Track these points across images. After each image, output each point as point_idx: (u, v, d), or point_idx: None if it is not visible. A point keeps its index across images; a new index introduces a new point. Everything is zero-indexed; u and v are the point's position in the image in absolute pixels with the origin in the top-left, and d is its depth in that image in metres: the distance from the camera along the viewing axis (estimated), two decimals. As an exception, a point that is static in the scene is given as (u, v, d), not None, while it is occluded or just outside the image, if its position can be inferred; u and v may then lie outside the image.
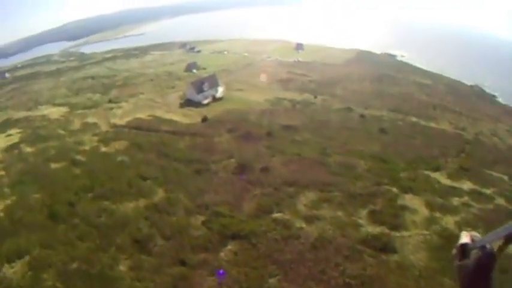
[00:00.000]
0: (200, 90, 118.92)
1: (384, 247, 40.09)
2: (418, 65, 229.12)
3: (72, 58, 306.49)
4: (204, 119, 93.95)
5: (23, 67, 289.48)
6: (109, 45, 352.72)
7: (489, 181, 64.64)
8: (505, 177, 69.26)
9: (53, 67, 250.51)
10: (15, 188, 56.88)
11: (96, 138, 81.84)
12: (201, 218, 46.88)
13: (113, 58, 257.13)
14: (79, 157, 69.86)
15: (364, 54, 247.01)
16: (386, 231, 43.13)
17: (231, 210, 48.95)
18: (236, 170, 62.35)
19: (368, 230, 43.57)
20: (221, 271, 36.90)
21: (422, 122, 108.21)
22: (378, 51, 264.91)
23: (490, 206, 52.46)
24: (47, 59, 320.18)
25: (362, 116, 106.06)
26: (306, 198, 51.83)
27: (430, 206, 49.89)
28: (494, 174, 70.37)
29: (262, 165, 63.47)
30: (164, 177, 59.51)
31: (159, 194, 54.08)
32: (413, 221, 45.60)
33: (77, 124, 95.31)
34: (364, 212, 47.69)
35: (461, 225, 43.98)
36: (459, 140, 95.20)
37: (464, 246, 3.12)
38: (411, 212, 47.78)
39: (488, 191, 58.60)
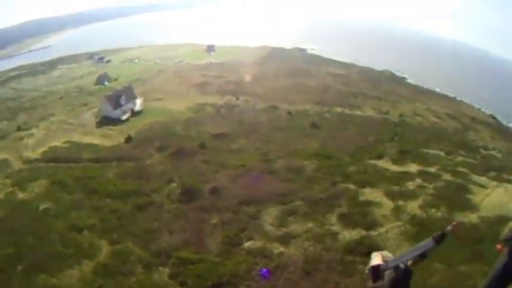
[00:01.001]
0: (117, 105, 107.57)
1: (370, 250, 35.38)
2: (329, 56, 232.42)
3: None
4: (128, 139, 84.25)
5: None
6: (13, 62, 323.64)
7: (430, 159, 66.34)
8: (442, 153, 72.89)
9: None
10: None
11: (9, 181, 68.48)
12: (166, 271, 38.35)
13: (18, 76, 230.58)
14: (-7, 212, 57.65)
15: (276, 50, 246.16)
16: (364, 232, 41.08)
17: (196, 252, 41.23)
18: (182, 197, 54.38)
19: (345, 236, 41.07)
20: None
21: (348, 111, 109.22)
22: (289, 47, 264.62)
23: (441, 183, 52.81)
24: None
25: (289, 112, 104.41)
26: (270, 215, 47.32)
27: (390, 196, 48.94)
28: (431, 152, 73.25)
29: (210, 186, 56.30)
30: (102, 222, 49.53)
31: (104, 248, 44.29)
32: (384, 215, 44.20)
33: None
34: (333, 218, 44.92)
35: (425, 208, 44.88)
36: (387, 124, 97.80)
37: (376, 268, 3.38)
38: (377, 206, 46.38)
39: (433, 170, 59.69)
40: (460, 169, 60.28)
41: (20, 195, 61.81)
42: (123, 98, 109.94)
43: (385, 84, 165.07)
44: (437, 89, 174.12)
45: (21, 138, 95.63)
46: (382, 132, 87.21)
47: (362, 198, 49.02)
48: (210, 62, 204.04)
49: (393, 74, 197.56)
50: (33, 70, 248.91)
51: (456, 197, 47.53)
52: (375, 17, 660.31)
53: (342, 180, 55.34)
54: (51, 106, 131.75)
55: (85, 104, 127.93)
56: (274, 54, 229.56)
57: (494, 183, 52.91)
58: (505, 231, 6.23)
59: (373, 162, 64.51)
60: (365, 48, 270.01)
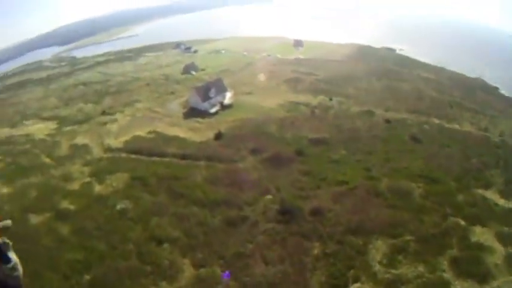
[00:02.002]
0: (206, 97, 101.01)
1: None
2: (418, 58, 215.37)
3: (63, 63, 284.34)
4: (218, 135, 76.78)
5: (13, 75, 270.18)
6: (101, 48, 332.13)
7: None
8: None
9: (44, 74, 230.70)
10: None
11: (87, 169, 64.05)
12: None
13: (106, 62, 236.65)
14: (66, 204, 52.38)
15: (364, 49, 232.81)
16: (476, 286, 36.33)
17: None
18: (280, 215, 46.40)
19: (459, 289, 35.61)
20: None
21: (446, 125, 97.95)
22: (377, 46, 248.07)
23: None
24: (38, 65, 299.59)
25: (387, 121, 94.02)
26: (378, 251, 41.09)
27: (502, 239, 43.31)
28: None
29: (312, 206, 48.11)
30: (186, 236, 42.70)
31: (187, 271, 37.64)
32: (496, 265, 39.06)
33: (64, 147, 78.11)
34: (445, 262, 39.49)
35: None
36: (488, 144, 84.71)
37: None
38: (489, 252, 40.84)
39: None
40: None
41: (97, 188, 57.12)
42: (212, 90, 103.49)
43: (478, 94, 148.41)
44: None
45: (105, 123, 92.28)
46: (485, 154, 75.46)
47: (473, 238, 43.24)
48: (299, 58, 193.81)
49: (485, 83, 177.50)
50: (121, 56, 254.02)
51: None
52: (457, 11, 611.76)
53: (452, 212, 48.62)
54: (137, 92, 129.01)
55: (172, 93, 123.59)
56: (362, 53, 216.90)
57: None
58: None
59: (480, 191, 56.29)
60: (451, 51, 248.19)
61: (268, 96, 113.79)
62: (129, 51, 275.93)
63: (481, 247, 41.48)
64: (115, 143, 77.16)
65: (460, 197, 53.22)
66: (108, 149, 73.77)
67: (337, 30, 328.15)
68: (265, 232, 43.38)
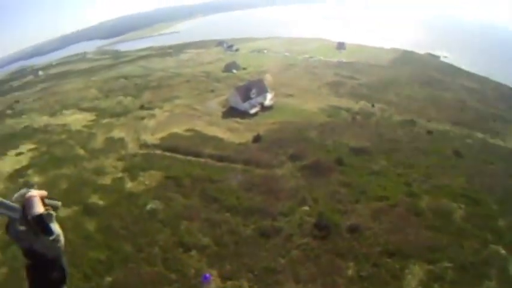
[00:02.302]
0: (247, 97, 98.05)
1: None
2: (462, 66, 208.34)
3: (106, 56, 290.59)
4: (257, 138, 73.85)
5: (57, 65, 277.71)
6: (144, 43, 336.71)
7: None
8: None
9: (86, 65, 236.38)
10: (6, 254, 39.29)
11: (121, 164, 62.95)
12: None
13: (148, 56, 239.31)
14: (95, 199, 51.57)
15: (407, 54, 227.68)
16: None
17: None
18: (316, 230, 43.32)
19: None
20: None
21: (490, 140, 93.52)
22: (421, 51, 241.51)
23: None
24: (81, 57, 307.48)
25: (429, 132, 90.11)
26: (414, 276, 37.76)
27: None
28: None
29: (350, 223, 44.99)
30: (216, 245, 40.46)
31: (213, 283, 35.19)
32: None
33: (100, 140, 77.75)
34: None
35: None
36: None
37: None
38: None
39: None
40: None
41: (129, 185, 55.77)
42: (253, 90, 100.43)
43: None
44: None
45: (142, 118, 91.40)
46: None
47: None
48: (341, 61, 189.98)
49: None
50: (162, 52, 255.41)
51: None
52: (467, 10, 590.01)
53: (493, 239, 44.62)
54: (177, 88, 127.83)
55: (212, 91, 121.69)
56: (405, 59, 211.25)
57: None
58: None
59: None
60: (496, 59, 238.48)
61: (309, 99, 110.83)
62: (171, 47, 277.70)
63: (518, 281, 38.70)
64: (151, 139, 75.89)
65: (502, 222, 49.70)
66: (144, 145, 72.56)
67: (375, 33, 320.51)
68: (299, 247, 40.67)
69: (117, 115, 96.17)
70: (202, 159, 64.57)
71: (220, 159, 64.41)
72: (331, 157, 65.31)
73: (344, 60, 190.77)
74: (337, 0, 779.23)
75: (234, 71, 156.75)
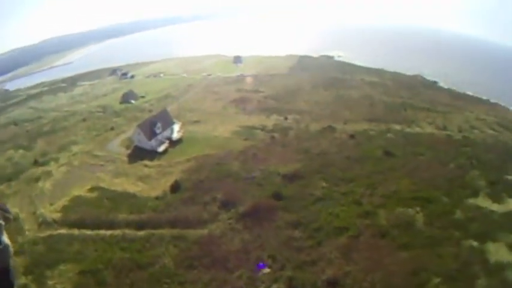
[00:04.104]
0: (152, 134, 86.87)
1: None
2: (356, 62, 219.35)
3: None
4: (175, 186, 61.64)
5: None
6: (35, 79, 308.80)
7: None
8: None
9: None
10: None
11: (21, 261, 44.27)
12: None
13: (39, 94, 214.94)
14: None
15: (303, 59, 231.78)
16: None
17: None
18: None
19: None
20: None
21: (408, 129, 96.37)
22: (315, 55, 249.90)
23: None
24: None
25: (351, 136, 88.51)
26: None
27: None
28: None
29: (327, 277, 36.88)
30: None
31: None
32: None
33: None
34: None
35: None
36: (454, 144, 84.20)
37: None
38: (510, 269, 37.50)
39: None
40: None
41: None
42: (158, 125, 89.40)
43: (422, 91, 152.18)
44: (470, 92, 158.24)
45: (37, 180, 75.19)
46: (457, 157, 72.65)
47: (491, 259, 39.55)
48: (241, 75, 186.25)
49: (424, 79, 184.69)
50: (54, 87, 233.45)
51: None
52: (385, 18, 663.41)
53: (460, 235, 44.43)
54: (73, 131, 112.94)
55: (111, 129, 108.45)
56: (303, 63, 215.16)
57: None
58: None
59: (471, 201, 53.15)
60: (384, 51, 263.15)
61: (217, 122, 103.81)
62: (63, 80, 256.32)
63: (503, 267, 38.13)
64: (51, 211, 59.42)
65: (458, 213, 49.69)
66: (44, 222, 55.83)
67: (269, 43, 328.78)
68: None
69: (8, 179, 78.58)
70: (118, 231, 50.13)
71: (141, 226, 50.74)
72: (267, 193, 57.08)
73: (244, 73, 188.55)
74: (229, 14, 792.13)
75: (132, 101, 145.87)
